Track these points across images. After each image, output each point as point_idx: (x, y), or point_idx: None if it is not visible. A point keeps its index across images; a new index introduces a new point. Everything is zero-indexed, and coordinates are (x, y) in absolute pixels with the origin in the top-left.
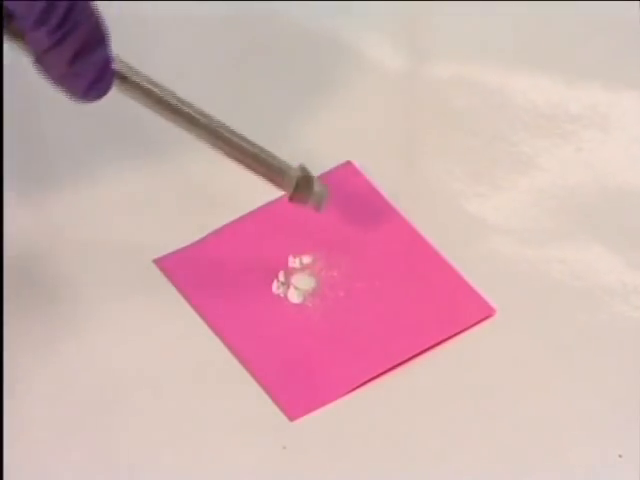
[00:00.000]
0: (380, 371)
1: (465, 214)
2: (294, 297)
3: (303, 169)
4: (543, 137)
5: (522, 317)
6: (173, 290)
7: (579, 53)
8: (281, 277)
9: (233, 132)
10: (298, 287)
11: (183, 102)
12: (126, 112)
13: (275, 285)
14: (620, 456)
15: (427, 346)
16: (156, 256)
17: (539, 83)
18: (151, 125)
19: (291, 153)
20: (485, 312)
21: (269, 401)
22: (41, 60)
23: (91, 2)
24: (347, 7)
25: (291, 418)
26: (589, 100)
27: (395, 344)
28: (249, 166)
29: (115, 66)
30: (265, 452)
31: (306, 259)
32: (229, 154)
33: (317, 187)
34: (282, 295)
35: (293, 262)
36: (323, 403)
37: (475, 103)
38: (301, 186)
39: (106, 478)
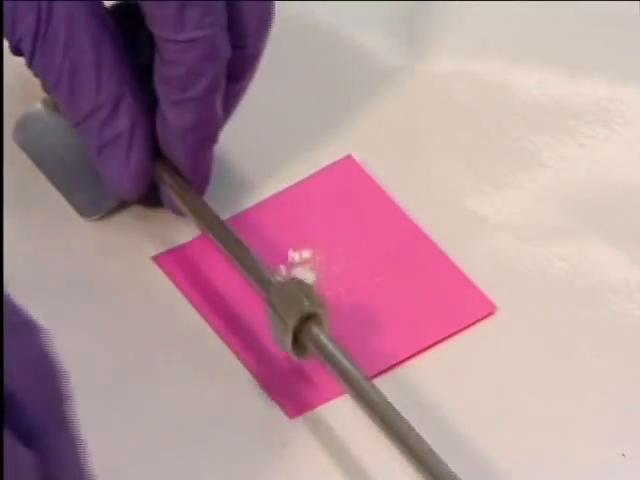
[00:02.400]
0: (380, 369)
1: (467, 211)
2: None
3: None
4: (546, 133)
5: (524, 315)
6: (172, 287)
7: (583, 48)
8: (281, 272)
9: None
10: None
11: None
12: None
13: None
14: (623, 455)
15: (428, 344)
16: (154, 253)
17: (542, 79)
18: None
19: (291, 148)
20: (487, 309)
21: (268, 399)
22: None
23: None
24: (347, 2)
25: (291, 416)
26: (593, 96)
27: (395, 342)
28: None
29: None
30: (265, 451)
31: (306, 253)
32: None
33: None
34: None
35: (293, 256)
36: (323, 401)
37: (477, 99)
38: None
39: (102, 477)
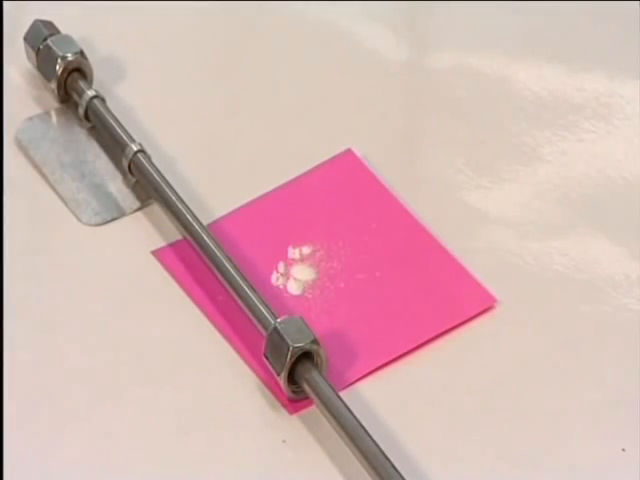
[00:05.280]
0: (380, 364)
1: (467, 205)
2: (294, 289)
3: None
4: (546, 128)
5: (524, 309)
6: (171, 282)
7: (582, 43)
8: (280, 268)
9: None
10: (298, 278)
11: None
12: (125, 116)
13: (274, 276)
14: (623, 450)
15: (428, 338)
16: (154, 247)
17: (541, 73)
18: (149, 120)
19: (292, 141)
20: (486, 303)
21: (268, 394)
22: None
23: None
24: None
25: (290, 412)
26: (592, 90)
27: (396, 336)
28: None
29: None
30: (265, 446)
31: (306, 250)
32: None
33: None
34: (282, 286)
35: (293, 253)
36: None
37: (477, 93)
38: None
39: (104, 474)
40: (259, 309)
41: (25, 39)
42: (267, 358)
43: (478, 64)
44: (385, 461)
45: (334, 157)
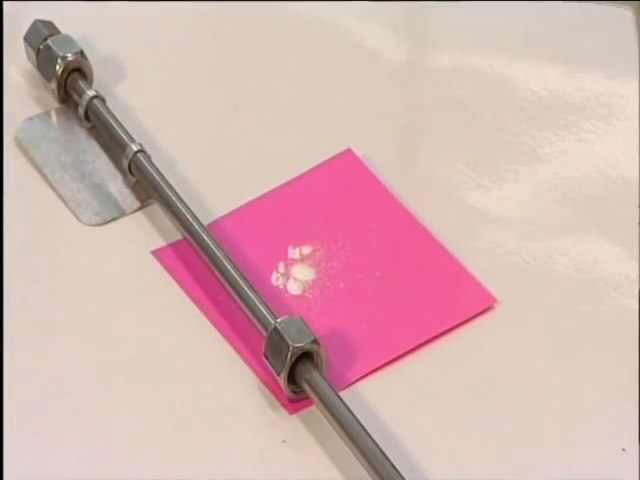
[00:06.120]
0: (380, 364)
1: (467, 205)
2: (294, 289)
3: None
4: (545, 128)
5: (524, 309)
6: (171, 282)
7: (582, 43)
8: (281, 268)
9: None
10: (298, 278)
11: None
12: (125, 116)
13: (274, 276)
14: (624, 450)
15: (428, 338)
16: (154, 247)
17: (541, 73)
18: (149, 120)
19: (292, 142)
20: (487, 302)
21: (268, 394)
22: None
23: None
24: None
25: (290, 412)
26: (592, 90)
27: (396, 336)
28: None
29: None
30: (265, 446)
31: (306, 250)
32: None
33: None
34: (282, 286)
35: (293, 253)
36: None
37: (477, 93)
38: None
39: (104, 472)
40: (259, 309)
41: (25, 39)
42: (267, 358)
43: (478, 64)
44: (385, 461)
45: (334, 157)
